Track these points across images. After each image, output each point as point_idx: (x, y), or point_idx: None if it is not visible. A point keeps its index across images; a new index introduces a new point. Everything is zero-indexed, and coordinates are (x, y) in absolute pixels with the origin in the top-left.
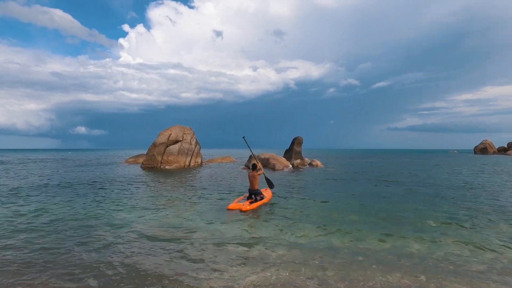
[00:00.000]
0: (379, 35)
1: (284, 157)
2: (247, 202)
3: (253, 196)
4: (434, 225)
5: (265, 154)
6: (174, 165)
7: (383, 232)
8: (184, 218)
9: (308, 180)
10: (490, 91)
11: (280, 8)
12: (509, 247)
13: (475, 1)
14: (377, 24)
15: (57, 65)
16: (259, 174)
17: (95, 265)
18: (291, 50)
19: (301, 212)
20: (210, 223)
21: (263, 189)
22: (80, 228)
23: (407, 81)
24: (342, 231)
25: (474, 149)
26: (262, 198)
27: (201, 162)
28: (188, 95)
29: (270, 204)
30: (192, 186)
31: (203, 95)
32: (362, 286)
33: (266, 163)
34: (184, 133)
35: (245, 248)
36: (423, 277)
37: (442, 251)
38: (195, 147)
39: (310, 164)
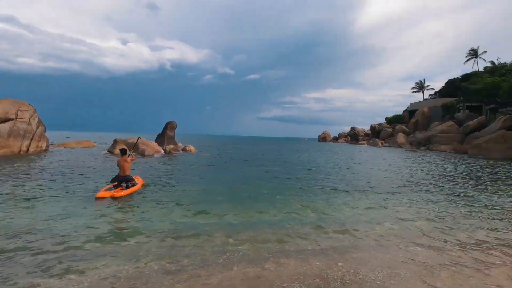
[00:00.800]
0: (253, 32)
1: (155, 142)
2: (119, 189)
3: (123, 183)
4: (282, 198)
5: (133, 138)
6: (2, 151)
7: (244, 210)
8: (17, 218)
9: (181, 165)
10: (330, 92)
11: None
12: (331, 213)
13: (324, 16)
14: (251, 21)
15: None
16: (132, 160)
17: None
18: (168, 29)
19: (173, 198)
20: (62, 219)
21: (134, 176)
22: None
23: (274, 76)
24: (209, 213)
25: (318, 137)
26: (134, 185)
27: (47, 147)
28: (29, 61)
29: (141, 191)
30: (31, 176)
31: (52, 64)
32: (225, 261)
33: (135, 149)
34: (18, 110)
35: (111, 241)
36: (270, 241)
37: (285, 221)
38: (36, 128)
39: (183, 149)
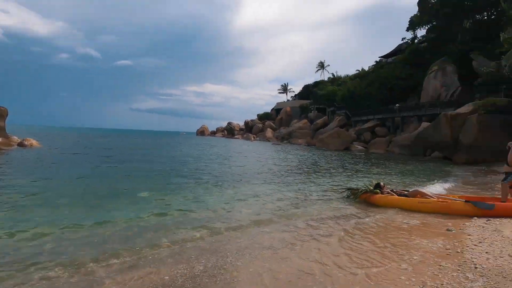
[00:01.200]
0: (125, 12)
1: None
2: None
3: None
4: (146, 196)
5: None
6: None
7: (92, 220)
8: None
9: (11, 164)
10: (208, 87)
11: None
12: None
13: (203, 12)
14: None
15: None
16: None
17: None
18: None
19: None
20: None
21: None
22: None
23: (150, 65)
24: (41, 228)
25: (196, 131)
26: None
27: None
28: None
29: None
30: None
31: None
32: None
33: None
34: None
35: None
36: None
37: (144, 225)
38: None
39: (20, 144)
